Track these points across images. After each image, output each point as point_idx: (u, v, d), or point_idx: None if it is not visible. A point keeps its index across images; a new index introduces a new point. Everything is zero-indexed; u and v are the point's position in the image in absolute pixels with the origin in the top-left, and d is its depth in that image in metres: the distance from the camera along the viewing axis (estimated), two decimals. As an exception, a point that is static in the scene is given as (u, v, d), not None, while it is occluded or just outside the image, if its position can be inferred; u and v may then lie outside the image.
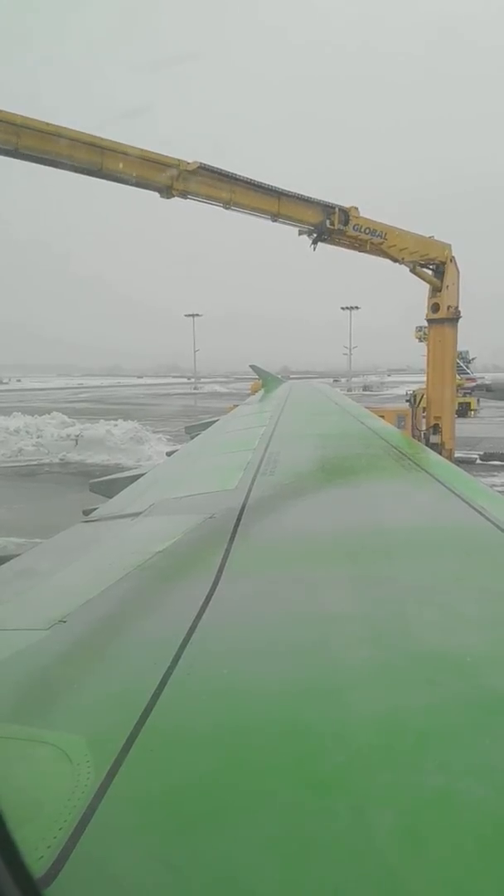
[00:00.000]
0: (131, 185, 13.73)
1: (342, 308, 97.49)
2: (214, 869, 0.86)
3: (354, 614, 1.76)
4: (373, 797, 0.98)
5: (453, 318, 18.71)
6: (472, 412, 41.64)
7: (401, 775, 1.02)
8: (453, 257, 18.45)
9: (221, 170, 14.64)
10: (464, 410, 35.37)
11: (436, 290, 18.57)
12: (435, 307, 18.64)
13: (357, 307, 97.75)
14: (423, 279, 18.56)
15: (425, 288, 18.77)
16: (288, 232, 16.75)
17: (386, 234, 17.26)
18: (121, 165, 13.09)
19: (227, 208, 14.97)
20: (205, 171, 14.24)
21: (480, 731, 1.15)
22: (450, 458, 16.32)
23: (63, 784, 1.03)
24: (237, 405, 13.20)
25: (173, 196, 14.09)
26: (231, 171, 14.79)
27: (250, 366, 17.73)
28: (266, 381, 15.24)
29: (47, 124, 12.11)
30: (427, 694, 1.27)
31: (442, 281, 18.44)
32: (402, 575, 2.08)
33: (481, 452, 26.71)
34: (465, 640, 1.56)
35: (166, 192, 13.97)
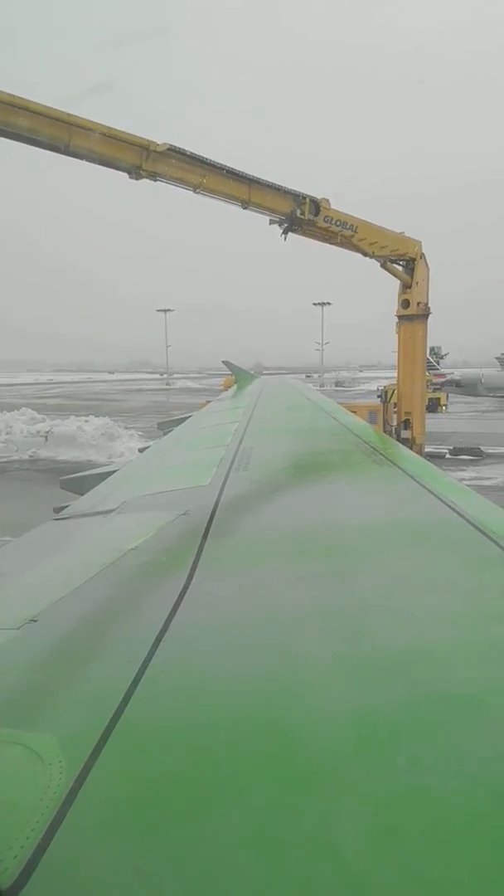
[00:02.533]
0: (98, 164, 13.49)
1: (314, 304, 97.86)
2: (190, 870, 0.86)
3: (327, 610, 1.77)
4: (347, 794, 0.98)
5: (423, 315, 18.94)
6: (442, 408, 42.20)
7: (375, 772, 1.03)
8: (423, 254, 18.66)
9: (192, 153, 14.47)
10: (433, 406, 35.82)
11: (406, 286, 18.77)
12: (405, 303, 18.85)
13: (329, 303, 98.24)
14: (394, 275, 18.75)
15: (397, 284, 18.96)
16: (264, 227, 16.74)
17: (357, 227, 17.36)
18: (88, 143, 12.81)
19: (196, 192, 14.83)
20: (175, 153, 14.08)
21: (453, 726, 1.17)
22: (420, 452, 16.56)
23: (35, 785, 1.02)
24: (210, 401, 13.17)
25: (142, 177, 13.90)
26: (201, 154, 14.66)
27: (223, 361, 17.71)
28: (238, 376, 15.21)
29: (12, 96, 11.71)
30: (399, 689, 1.29)
31: (412, 277, 18.64)
32: (374, 570, 2.10)
33: (451, 447, 27.15)
34: (436, 634, 1.58)
35: (135, 172, 13.76)
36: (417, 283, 18.64)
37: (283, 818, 0.94)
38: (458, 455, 26.16)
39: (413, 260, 18.54)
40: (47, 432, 28.12)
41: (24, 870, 0.85)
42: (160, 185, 14.43)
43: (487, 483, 20.55)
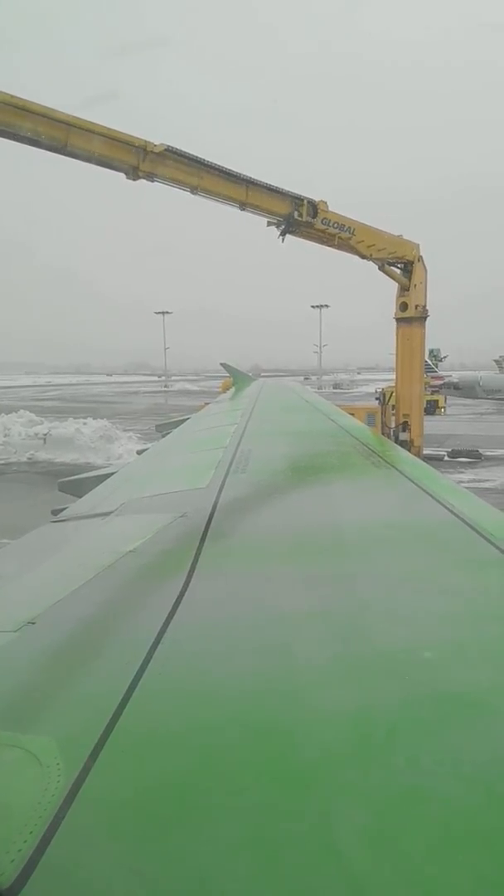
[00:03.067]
0: (96, 164, 13.50)
1: (312, 306, 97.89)
2: (189, 873, 0.86)
3: (325, 612, 1.77)
4: (347, 796, 0.98)
5: (421, 317, 18.96)
6: (440, 410, 42.20)
7: (373, 773, 1.03)
8: (421, 257, 18.68)
9: (189, 154, 14.44)
10: (431, 408, 35.85)
11: (404, 288, 18.78)
12: (403, 306, 18.86)
13: (327, 305, 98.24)
14: (392, 278, 18.76)
15: (395, 287, 18.98)
16: (262, 229, 16.73)
17: (354, 229, 17.36)
18: (86, 144, 12.82)
19: (193, 193, 14.79)
20: (172, 153, 14.07)
21: (452, 727, 1.17)
22: (418, 455, 16.56)
23: (33, 788, 1.02)
24: (208, 403, 13.15)
25: (139, 178, 13.88)
26: (199, 156, 14.65)
27: (221, 364, 17.69)
28: (237, 379, 15.19)
29: (12, 96, 11.78)
30: (397, 690, 1.29)
31: (410, 280, 18.66)
32: (372, 572, 2.10)
33: (449, 449, 27.18)
34: (434, 635, 1.58)
35: (132, 173, 13.74)
36: (415, 285, 18.65)
37: (281, 820, 0.94)
38: (456, 457, 26.19)
39: (411, 263, 18.54)
40: (45, 434, 28.09)
41: (21, 872, 0.85)
42: (159, 190, 14.44)
43: (486, 485, 20.58)
